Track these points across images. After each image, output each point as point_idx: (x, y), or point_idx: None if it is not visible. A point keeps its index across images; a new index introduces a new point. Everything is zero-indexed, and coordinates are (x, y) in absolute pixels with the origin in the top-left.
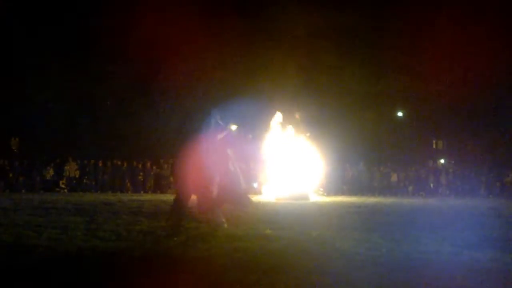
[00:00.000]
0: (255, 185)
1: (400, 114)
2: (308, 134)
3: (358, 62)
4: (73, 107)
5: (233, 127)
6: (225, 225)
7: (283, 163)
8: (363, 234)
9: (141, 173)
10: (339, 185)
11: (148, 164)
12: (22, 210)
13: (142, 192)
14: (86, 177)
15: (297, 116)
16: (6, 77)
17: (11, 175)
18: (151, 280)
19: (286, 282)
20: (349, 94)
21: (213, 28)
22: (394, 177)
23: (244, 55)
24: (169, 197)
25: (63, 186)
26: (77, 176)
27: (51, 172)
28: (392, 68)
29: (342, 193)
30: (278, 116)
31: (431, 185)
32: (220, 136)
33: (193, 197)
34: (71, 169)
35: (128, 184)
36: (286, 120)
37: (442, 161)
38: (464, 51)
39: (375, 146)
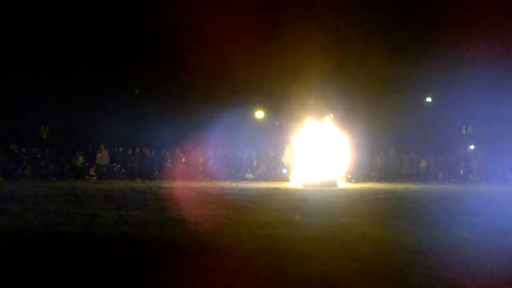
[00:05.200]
0: (284, 171)
1: (429, 99)
2: (331, 115)
3: (386, 46)
4: (102, 95)
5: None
6: None
7: (311, 149)
8: (392, 220)
9: (169, 161)
10: (367, 172)
11: (177, 152)
12: (53, 198)
13: (170, 179)
14: (115, 164)
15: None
16: (36, 64)
17: (42, 163)
18: (180, 266)
19: (314, 268)
20: (377, 80)
21: (238, 14)
22: (423, 163)
23: (269, 41)
24: (197, 184)
25: (93, 173)
26: (106, 163)
27: (81, 159)
28: (420, 52)
29: (371, 179)
30: (306, 104)
31: (461, 171)
32: None
33: None
34: (103, 156)
35: (156, 172)
36: (314, 108)
37: (472, 146)
38: (495, 34)
39: (404, 132)
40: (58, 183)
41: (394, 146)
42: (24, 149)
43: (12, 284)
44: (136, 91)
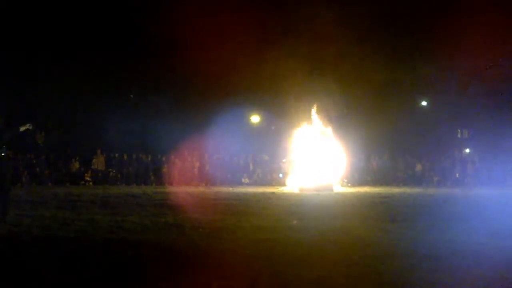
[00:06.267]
0: (280, 176)
1: (424, 103)
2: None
3: (381, 51)
4: (98, 100)
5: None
6: None
7: (307, 154)
8: (388, 224)
9: (165, 166)
10: (363, 176)
11: (172, 157)
12: (49, 203)
13: (166, 184)
14: (111, 170)
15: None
16: (31, 69)
17: (38, 168)
18: (177, 270)
19: (312, 273)
20: (371, 84)
21: (233, 18)
22: (419, 167)
23: (265, 45)
24: (193, 189)
25: (88, 179)
26: (102, 169)
27: (77, 165)
28: (414, 56)
29: (367, 183)
30: (302, 108)
31: (457, 175)
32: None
33: None
34: (99, 162)
35: (152, 177)
36: (309, 112)
37: (467, 150)
38: (489, 36)
39: (399, 136)
40: (54, 189)
41: (389, 150)
42: (19, 155)
43: None
44: (131, 96)
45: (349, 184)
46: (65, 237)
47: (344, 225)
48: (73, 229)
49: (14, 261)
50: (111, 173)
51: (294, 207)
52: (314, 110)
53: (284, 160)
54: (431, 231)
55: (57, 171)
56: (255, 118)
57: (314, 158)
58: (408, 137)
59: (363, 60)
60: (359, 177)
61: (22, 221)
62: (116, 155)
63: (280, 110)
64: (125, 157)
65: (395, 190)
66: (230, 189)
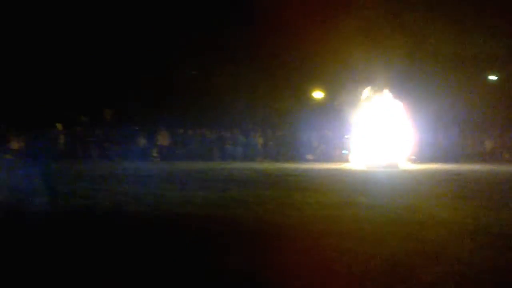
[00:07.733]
0: (345, 152)
1: (493, 77)
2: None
3: (448, 22)
4: (162, 79)
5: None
6: None
7: (373, 130)
8: (459, 202)
9: (229, 142)
10: (431, 152)
11: (237, 133)
12: (119, 178)
13: (231, 160)
14: (176, 146)
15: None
16: (100, 50)
17: (106, 144)
18: (244, 246)
19: (381, 250)
20: (438, 58)
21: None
22: (489, 144)
23: (328, 20)
24: (258, 165)
25: (155, 155)
26: (166, 144)
27: (143, 141)
28: (482, 29)
29: (435, 160)
30: (367, 84)
31: None
32: None
33: None
34: (163, 138)
35: (218, 153)
36: (375, 87)
37: None
38: None
39: (469, 111)
40: (123, 164)
41: (458, 126)
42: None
43: (80, 261)
44: (193, 72)
45: (417, 161)
46: (137, 211)
47: (412, 203)
48: (144, 203)
49: (86, 234)
50: (176, 150)
51: (359, 184)
52: (378, 85)
53: (347, 136)
54: (504, 209)
55: (125, 147)
56: (318, 94)
57: (380, 134)
58: (477, 113)
59: (431, 33)
60: (427, 154)
61: (95, 195)
62: (181, 131)
63: (344, 85)
64: (190, 132)
65: (465, 167)
66: (294, 165)
